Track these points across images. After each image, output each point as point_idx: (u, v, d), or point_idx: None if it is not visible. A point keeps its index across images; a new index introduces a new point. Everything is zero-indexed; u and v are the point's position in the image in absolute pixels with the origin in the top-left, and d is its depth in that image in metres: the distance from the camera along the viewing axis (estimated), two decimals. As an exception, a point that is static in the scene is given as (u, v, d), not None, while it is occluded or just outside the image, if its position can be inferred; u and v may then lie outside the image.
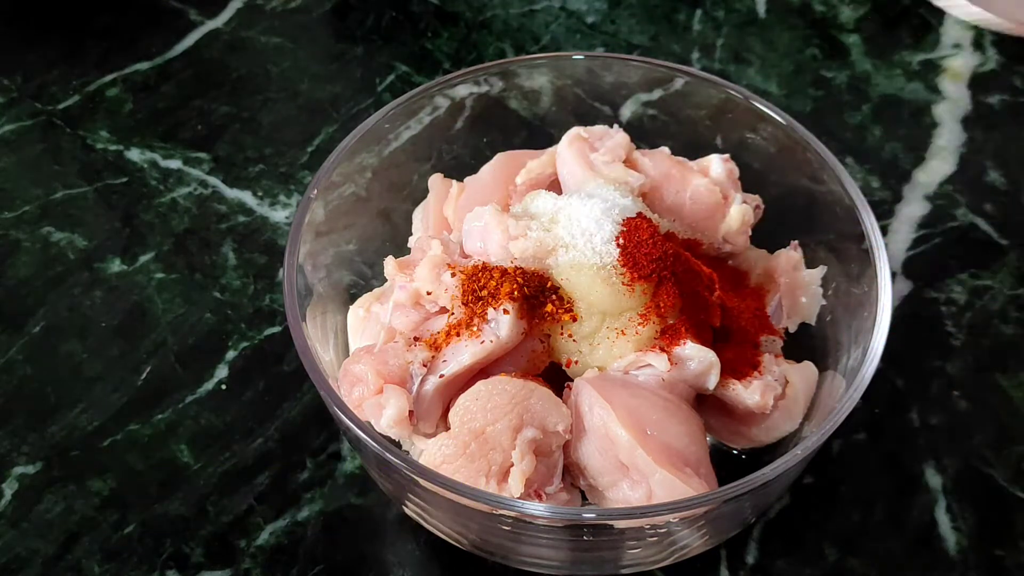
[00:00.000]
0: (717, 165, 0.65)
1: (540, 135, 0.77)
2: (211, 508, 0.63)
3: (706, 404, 0.59)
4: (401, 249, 0.69)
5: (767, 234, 0.66)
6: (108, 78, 0.90)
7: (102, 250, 0.77)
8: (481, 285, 0.55)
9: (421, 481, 0.50)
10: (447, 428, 0.54)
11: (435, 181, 0.68)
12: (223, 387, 0.69)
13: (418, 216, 0.69)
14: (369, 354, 0.55)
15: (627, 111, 0.78)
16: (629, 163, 0.64)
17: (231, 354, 0.71)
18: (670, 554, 0.58)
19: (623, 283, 0.55)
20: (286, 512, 0.63)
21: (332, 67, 0.92)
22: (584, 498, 0.57)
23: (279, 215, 0.80)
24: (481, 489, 0.50)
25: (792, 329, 0.64)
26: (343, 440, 0.66)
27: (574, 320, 0.55)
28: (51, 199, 0.81)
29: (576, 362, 0.56)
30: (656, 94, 0.75)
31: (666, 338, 0.56)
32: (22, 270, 0.76)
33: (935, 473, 0.65)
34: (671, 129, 0.74)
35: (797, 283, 0.64)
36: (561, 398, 0.55)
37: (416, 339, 0.56)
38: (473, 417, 0.52)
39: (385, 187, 0.70)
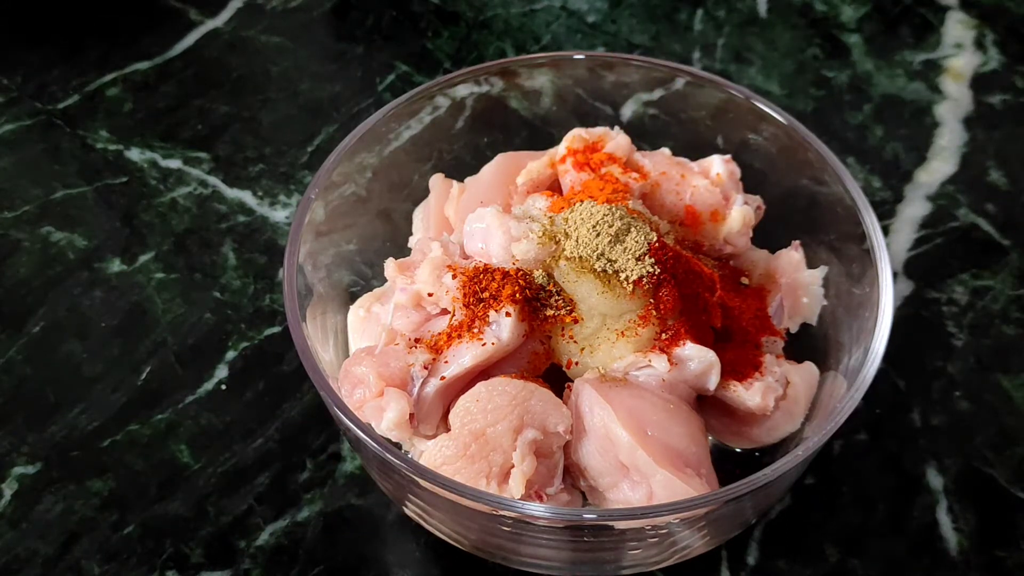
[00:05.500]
0: (718, 166, 0.65)
1: (540, 135, 0.76)
2: (211, 508, 0.63)
3: (707, 404, 0.59)
4: (401, 249, 0.69)
5: (768, 234, 0.66)
6: (108, 78, 0.90)
7: (102, 250, 0.77)
8: (482, 287, 0.55)
9: (421, 482, 0.50)
10: (448, 429, 0.54)
11: (436, 181, 0.68)
12: (223, 387, 0.69)
13: (418, 216, 0.69)
14: (370, 356, 0.55)
15: (628, 111, 0.78)
16: (630, 164, 0.64)
17: (231, 354, 0.71)
18: (671, 555, 0.57)
19: (623, 285, 0.55)
20: (286, 512, 0.63)
21: (332, 67, 0.92)
22: (585, 499, 0.56)
23: (279, 215, 0.80)
24: (482, 490, 0.50)
25: (793, 329, 0.64)
26: (343, 440, 0.66)
27: (575, 322, 0.55)
28: (51, 199, 0.81)
29: (576, 363, 0.56)
30: (657, 94, 0.75)
31: (666, 339, 0.56)
32: (22, 270, 0.76)
33: (936, 474, 0.65)
34: (672, 129, 0.74)
35: (798, 283, 0.64)
36: (561, 399, 0.55)
37: (417, 341, 0.56)
38: (473, 418, 0.52)
39: (385, 187, 0.70)
